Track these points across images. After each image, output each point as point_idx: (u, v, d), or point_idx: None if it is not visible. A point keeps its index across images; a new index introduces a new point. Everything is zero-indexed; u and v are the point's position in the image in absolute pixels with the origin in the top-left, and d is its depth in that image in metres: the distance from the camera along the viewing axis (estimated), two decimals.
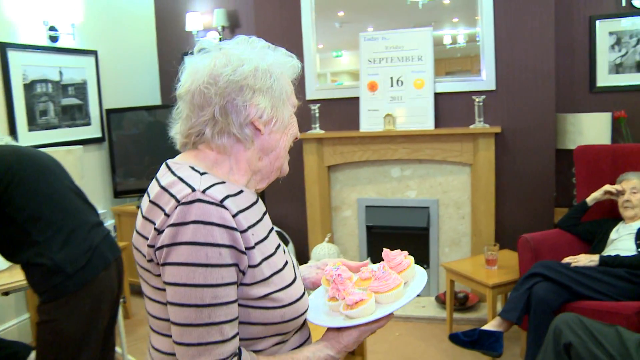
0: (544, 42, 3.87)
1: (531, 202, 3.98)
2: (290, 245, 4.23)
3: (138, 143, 4.57)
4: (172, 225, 1.00)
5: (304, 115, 4.29)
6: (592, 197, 3.32)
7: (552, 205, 4.00)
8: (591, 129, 4.05)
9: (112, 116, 4.46)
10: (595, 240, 3.32)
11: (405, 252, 1.29)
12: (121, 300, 3.64)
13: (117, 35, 4.77)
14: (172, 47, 5.16)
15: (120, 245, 3.81)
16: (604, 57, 4.30)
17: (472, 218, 4.02)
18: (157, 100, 5.20)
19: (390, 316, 1.15)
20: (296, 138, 1.25)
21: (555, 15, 4.03)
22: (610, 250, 3.15)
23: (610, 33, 4.26)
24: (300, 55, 4.12)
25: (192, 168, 1.11)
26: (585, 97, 4.36)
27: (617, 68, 4.29)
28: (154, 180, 1.14)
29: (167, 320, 1.05)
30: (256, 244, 1.08)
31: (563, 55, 4.33)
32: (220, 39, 4.92)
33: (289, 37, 4.26)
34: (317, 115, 4.16)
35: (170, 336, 1.05)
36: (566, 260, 3.02)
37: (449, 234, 4.11)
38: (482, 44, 3.95)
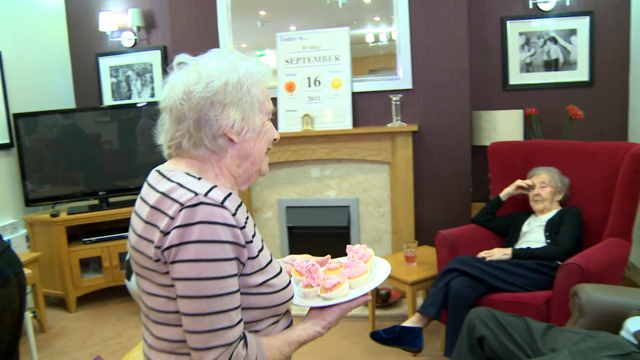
0: (458, 42, 3.95)
1: (449, 199, 4.05)
2: None
3: (53, 148, 4.36)
4: (179, 226, 1.11)
5: None
6: (505, 192, 3.41)
7: (469, 200, 4.08)
8: (505, 125, 4.15)
9: (21, 121, 4.25)
10: (509, 233, 3.41)
11: (365, 245, 1.46)
12: (31, 314, 3.51)
13: (24, 35, 4.54)
14: (86, 48, 4.98)
15: (34, 255, 3.72)
16: (515, 56, 4.43)
17: (392, 216, 4.05)
18: (71, 103, 5.01)
19: (366, 296, 1.34)
20: (275, 140, 1.35)
21: (469, 16, 4.13)
22: (522, 243, 3.24)
23: (520, 33, 4.40)
24: None
25: (188, 174, 1.22)
26: (498, 95, 4.48)
27: (528, 67, 4.43)
28: (147, 186, 1.25)
29: (175, 312, 1.17)
30: (252, 237, 1.21)
31: (477, 55, 4.44)
32: (136, 41, 4.80)
33: (205, 37, 4.18)
34: None
35: (177, 325, 1.18)
36: (481, 254, 3.08)
37: (369, 232, 4.14)
38: (398, 43, 3.99)
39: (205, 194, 1.15)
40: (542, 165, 3.45)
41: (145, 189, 1.27)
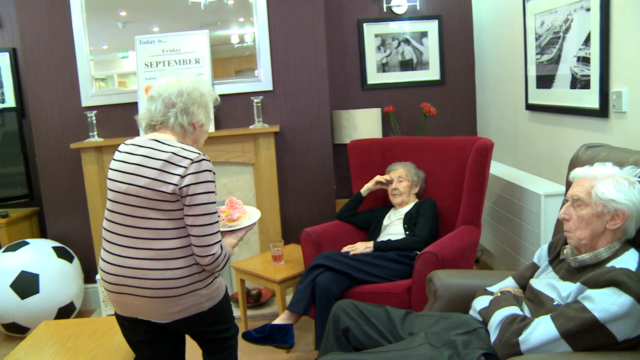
0: (316, 44, 4.01)
1: (314, 196, 4.11)
2: (75, 261, 3.94)
3: None
4: (193, 173, 1.83)
5: (79, 124, 4.03)
6: (366, 188, 3.50)
7: (333, 198, 4.16)
8: (364, 123, 4.28)
9: None
10: (371, 227, 3.51)
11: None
12: None
13: None
14: None
15: None
16: (372, 57, 4.59)
17: None
18: None
19: (253, 224, 2.19)
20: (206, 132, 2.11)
21: (327, 18, 4.21)
22: (384, 236, 3.35)
23: (376, 35, 4.57)
24: (72, 58, 3.89)
25: (180, 143, 1.94)
26: (357, 95, 4.62)
27: (384, 67, 4.60)
28: (149, 147, 1.90)
29: (171, 229, 1.87)
30: None
31: (336, 56, 4.55)
32: None
33: (59, 38, 3.95)
34: (95, 122, 3.92)
35: (171, 239, 1.86)
36: (345, 249, 3.15)
37: None
38: (257, 45, 4.00)
39: (202, 155, 1.88)
40: (399, 161, 3.58)
41: (145, 149, 1.91)
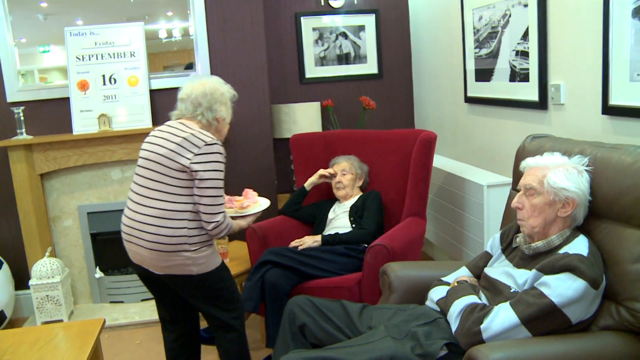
0: (255, 38, 3.96)
1: (255, 191, 4.05)
2: (5, 267, 3.75)
3: None
4: (205, 153, 2.19)
5: (5, 121, 3.83)
6: (310, 182, 3.49)
7: (275, 193, 4.13)
8: (303, 117, 4.27)
9: None
10: (316, 221, 3.50)
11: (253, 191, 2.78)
12: None
13: None
14: None
15: None
16: (310, 50, 4.58)
17: None
18: None
19: (261, 212, 2.65)
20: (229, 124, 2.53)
21: (265, 12, 4.17)
22: (330, 229, 3.35)
23: (314, 29, 4.56)
24: None
25: (200, 130, 2.30)
26: (296, 88, 4.59)
27: (322, 61, 4.59)
28: (173, 126, 2.34)
29: (174, 194, 2.22)
30: None
31: (274, 50, 4.50)
32: None
33: None
34: (22, 118, 3.73)
35: (177, 203, 2.22)
36: (293, 244, 3.13)
37: None
38: (195, 39, 3.91)
39: (214, 139, 2.26)
40: (343, 154, 3.59)
41: (172, 128, 2.33)
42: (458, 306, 1.96)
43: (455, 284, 2.14)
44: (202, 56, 3.92)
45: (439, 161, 4.02)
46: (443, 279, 2.27)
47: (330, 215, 3.45)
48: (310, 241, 3.13)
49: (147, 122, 3.82)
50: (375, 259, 2.84)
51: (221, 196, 2.26)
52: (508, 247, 2.16)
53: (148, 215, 2.24)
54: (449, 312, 1.99)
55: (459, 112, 3.98)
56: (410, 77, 4.75)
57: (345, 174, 3.44)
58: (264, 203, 2.70)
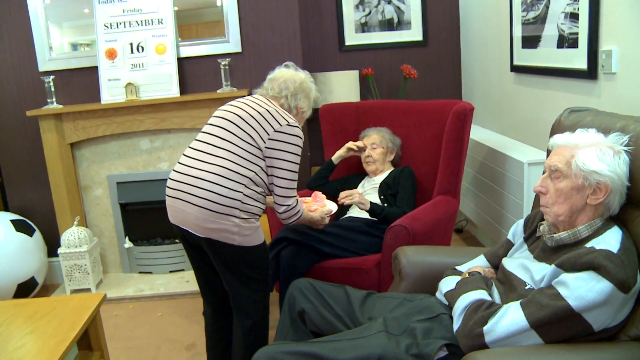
0: (287, 4, 3.76)
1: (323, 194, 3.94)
2: (37, 234, 3.72)
3: None
4: (286, 133, 2.21)
5: (37, 90, 3.79)
6: (337, 155, 3.28)
7: (308, 164, 3.98)
8: (341, 87, 4.07)
9: None
10: None
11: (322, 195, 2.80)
12: None
13: None
14: None
15: None
16: (350, 16, 4.34)
17: None
18: None
19: (331, 210, 2.67)
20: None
21: None
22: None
23: None
24: (25, 21, 3.61)
25: (282, 109, 2.33)
26: (335, 56, 4.38)
27: (363, 27, 4.35)
28: (263, 101, 2.34)
29: (247, 160, 2.19)
30: None
31: (312, 16, 4.30)
32: None
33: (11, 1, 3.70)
34: (53, 88, 3.67)
35: (241, 166, 2.17)
36: (342, 195, 2.89)
37: None
38: (225, 5, 3.73)
39: (297, 123, 2.28)
40: (374, 126, 3.37)
41: (254, 98, 2.36)
42: (463, 302, 1.70)
43: (467, 275, 1.87)
44: (232, 23, 3.75)
45: (483, 135, 3.79)
46: (457, 267, 2.02)
47: (359, 190, 3.23)
48: (359, 198, 2.86)
49: (174, 91, 3.68)
50: (394, 241, 2.62)
51: (295, 180, 2.25)
52: (532, 236, 1.88)
53: (206, 171, 2.16)
54: (454, 308, 1.74)
55: (505, 82, 3.69)
56: (458, 44, 4.46)
57: (375, 147, 3.23)
58: (332, 207, 2.68)
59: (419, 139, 3.33)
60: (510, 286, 1.74)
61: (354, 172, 3.46)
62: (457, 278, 1.90)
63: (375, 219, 2.92)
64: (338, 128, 3.53)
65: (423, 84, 4.40)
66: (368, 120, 3.48)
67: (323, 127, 3.56)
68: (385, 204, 3.03)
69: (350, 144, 3.25)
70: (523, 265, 1.74)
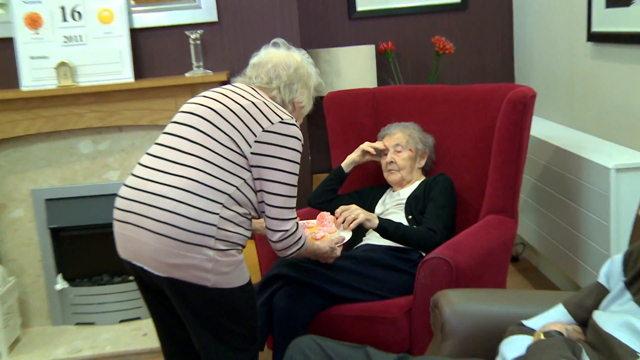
0: None
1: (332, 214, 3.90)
2: None
3: None
4: (279, 133, 2.16)
5: None
6: (349, 161, 3.23)
7: (308, 172, 3.95)
8: (351, 67, 4.09)
9: None
10: None
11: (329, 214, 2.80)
12: None
13: None
14: None
15: None
16: None
17: None
18: None
19: (344, 238, 2.66)
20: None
21: None
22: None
23: None
24: None
25: (273, 102, 2.30)
26: (343, 27, 4.39)
27: None
28: (247, 91, 2.28)
29: (226, 171, 2.13)
30: None
31: None
32: None
33: None
34: None
35: (217, 178, 2.09)
36: (337, 212, 2.85)
37: None
38: None
39: (294, 119, 2.24)
40: (398, 121, 3.31)
41: (235, 87, 2.30)
42: None
43: (541, 335, 1.72)
44: None
45: (548, 130, 3.73)
46: (525, 322, 1.88)
47: (379, 209, 3.19)
48: (364, 216, 2.80)
49: (127, 75, 3.61)
50: (430, 279, 2.54)
51: (293, 197, 2.21)
52: (638, 279, 1.72)
53: (170, 185, 2.08)
54: None
55: (579, 56, 3.61)
56: (510, 6, 4.44)
57: (400, 150, 3.14)
58: (345, 234, 2.67)
59: (459, 138, 3.27)
60: (610, 355, 1.59)
61: (372, 183, 3.40)
62: (527, 339, 1.76)
63: (400, 246, 2.87)
64: (349, 123, 3.48)
65: (462, 62, 4.38)
66: (389, 112, 3.42)
67: (329, 122, 3.52)
68: (413, 225, 2.97)
69: (367, 146, 3.18)
70: (629, 324, 1.59)
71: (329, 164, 3.96)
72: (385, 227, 2.82)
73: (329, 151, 3.52)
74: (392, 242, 2.88)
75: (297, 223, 2.24)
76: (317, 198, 3.25)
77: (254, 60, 2.41)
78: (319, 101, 3.48)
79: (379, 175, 3.32)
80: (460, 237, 2.75)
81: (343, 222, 2.77)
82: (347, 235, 2.65)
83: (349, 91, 3.58)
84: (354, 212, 2.78)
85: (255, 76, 2.35)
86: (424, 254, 2.76)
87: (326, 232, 2.60)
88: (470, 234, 2.79)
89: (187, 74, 3.67)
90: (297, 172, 2.21)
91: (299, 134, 2.21)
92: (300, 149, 2.21)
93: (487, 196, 3.01)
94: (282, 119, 2.18)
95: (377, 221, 2.81)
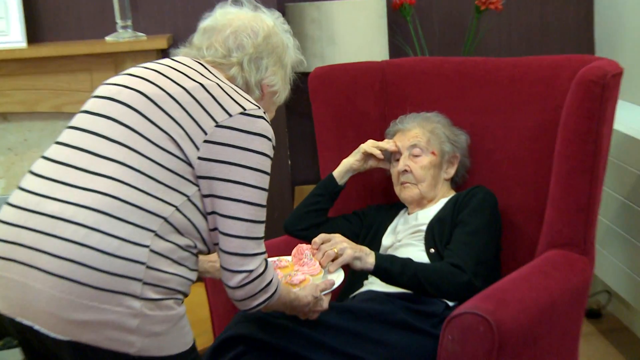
0: None
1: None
2: None
3: None
4: (240, 130, 2.12)
5: None
6: (345, 168, 3.23)
7: (286, 184, 4.02)
8: (351, 30, 4.12)
9: None
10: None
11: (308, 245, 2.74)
12: None
13: None
14: None
15: None
16: None
17: None
18: None
19: (333, 283, 2.57)
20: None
21: None
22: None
23: None
24: None
25: (232, 85, 2.27)
26: None
27: None
28: (193, 68, 2.24)
29: (165, 186, 2.10)
30: None
31: None
32: None
33: None
34: None
35: (152, 197, 2.04)
36: (316, 241, 2.79)
37: None
38: None
39: (261, 110, 2.19)
40: (416, 111, 3.32)
41: (176, 63, 2.25)
42: None
43: None
44: None
45: (636, 123, 3.71)
46: None
47: (387, 240, 3.19)
48: (351, 253, 2.74)
49: (15, 37, 3.67)
50: (461, 346, 2.48)
51: (261, 222, 2.15)
52: None
53: (77, 204, 1.96)
54: None
55: None
56: None
57: (418, 154, 3.14)
58: (335, 276, 2.62)
59: (507, 136, 3.27)
60: None
61: (379, 202, 3.42)
62: None
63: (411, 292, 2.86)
64: (345, 114, 3.49)
65: (514, 21, 4.40)
66: (404, 98, 3.43)
67: (317, 112, 3.52)
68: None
69: (370, 146, 3.17)
70: None
71: (317, 172, 3.95)
72: (387, 268, 2.78)
73: (317, 154, 3.54)
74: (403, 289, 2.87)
75: (267, 260, 2.14)
76: (298, 222, 3.26)
77: (206, 23, 2.37)
78: (302, 81, 3.48)
79: (389, 190, 3.33)
80: (506, 282, 2.72)
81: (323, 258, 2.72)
82: (339, 278, 2.57)
83: (347, 66, 3.60)
84: (338, 245, 2.73)
85: (207, 47, 2.31)
86: (451, 304, 2.77)
87: (308, 273, 2.53)
88: (522, 278, 2.75)
89: (108, 38, 3.71)
90: (266, 187, 2.14)
91: (269, 131, 2.14)
92: (270, 152, 2.14)
93: (547, 221, 2.98)
94: (244, 109, 2.10)
95: (372, 260, 2.77)
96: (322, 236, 2.76)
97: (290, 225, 3.29)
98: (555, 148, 2.98)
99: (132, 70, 2.25)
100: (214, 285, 3.09)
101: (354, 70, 3.56)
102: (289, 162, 4.03)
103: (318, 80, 3.51)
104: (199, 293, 3.44)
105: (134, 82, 2.16)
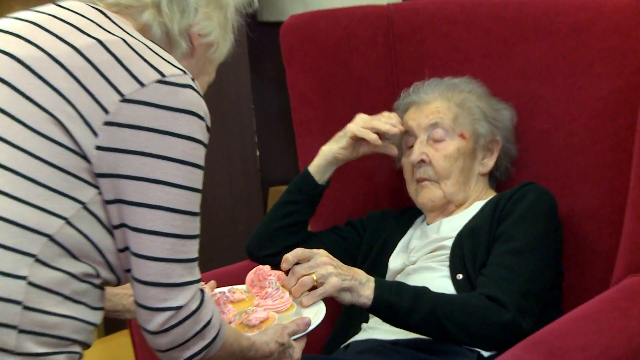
0: None
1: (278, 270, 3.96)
2: None
3: None
4: (154, 105, 2.01)
5: None
6: (324, 159, 3.26)
7: (257, 184, 4.05)
8: None
9: None
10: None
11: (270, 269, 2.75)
12: None
13: None
14: None
15: None
16: None
17: None
18: None
19: (309, 323, 2.52)
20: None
21: None
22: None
23: None
24: None
25: (144, 40, 2.19)
26: None
27: None
28: (80, 13, 2.16)
29: (54, 191, 2.04)
30: None
31: None
32: None
33: None
34: None
35: (20, 200, 2.00)
36: (287, 258, 2.79)
37: None
38: None
39: (187, 75, 2.11)
40: (437, 77, 3.33)
41: (61, 10, 2.16)
42: None
43: None
44: None
45: None
46: None
47: (396, 261, 3.27)
48: (337, 282, 2.70)
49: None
50: None
51: (193, 237, 2.08)
52: None
53: None
54: None
55: None
56: None
57: (441, 138, 3.18)
58: (314, 311, 2.59)
59: (568, 111, 3.31)
60: None
61: (386, 206, 3.46)
62: None
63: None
64: (336, 81, 3.53)
65: None
66: (420, 55, 3.46)
67: (291, 80, 3.56)
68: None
69: (359, 126, 3.15)
70: None
71: (297, 167, 4.00)
72: (391, 302, 2.76)
73: (295, 142, 3.58)
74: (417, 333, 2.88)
75: (202, 291, 2.07)
76: (265, 244, 3.28)
77: None
78: (272, 34, 3.50)
79: (399, 190, 3.36)
80: (564, 323, 2.71)
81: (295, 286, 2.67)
82: (318, 316, 2.52)
83: (337, 12, 3.61)
84: (319, 269, 2.70)
85: None
86: (485, 354, 2.79)
87: (272, 309, 2.48)
88: (588, 317, 2.75)
89: None
90: (199, 186, 2.06)
91: (200, 105, 2.06)
92: (203, 136, 2.06)
93: (626, 234, 2.98)
94: (162, 74, 2.00)
95: (369, 291, 2.75)
96: (297, 252, 2.72)
97: (255, 249, 3.30)
98: (638, 128, 2.99)
99: (2, 21, 2.15)
100: (140, 331, 3.04)
101: (347, 18, 3.55)
102: (257, 154, 4.05)
103: (295, 33, 3.52)
104: (121, 344, 3.53)
105: (1, 40, 2.06)
